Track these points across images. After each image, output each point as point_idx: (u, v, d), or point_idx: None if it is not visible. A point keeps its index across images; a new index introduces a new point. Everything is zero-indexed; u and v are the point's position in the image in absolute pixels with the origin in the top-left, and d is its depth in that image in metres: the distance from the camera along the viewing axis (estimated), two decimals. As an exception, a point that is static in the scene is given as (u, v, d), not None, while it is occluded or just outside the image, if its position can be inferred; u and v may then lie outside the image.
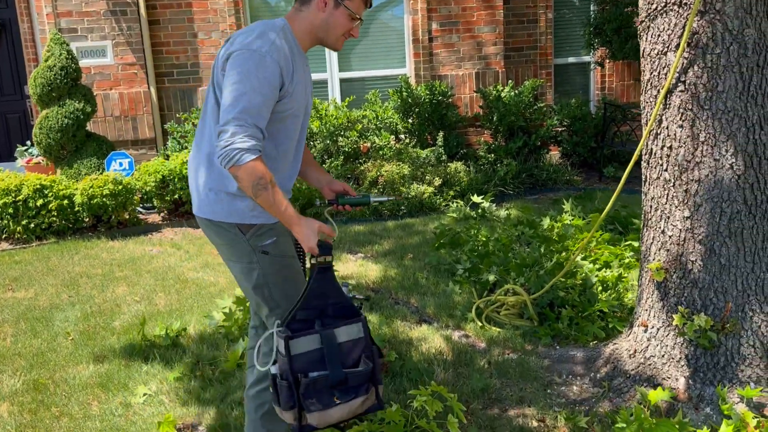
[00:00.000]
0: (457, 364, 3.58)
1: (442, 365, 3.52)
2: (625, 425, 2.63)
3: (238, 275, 2.37)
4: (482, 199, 6.58)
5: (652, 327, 3.10)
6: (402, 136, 8.22)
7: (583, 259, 4.36)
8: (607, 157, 8.68)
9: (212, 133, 2.23)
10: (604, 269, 4.19)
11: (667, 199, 3.00)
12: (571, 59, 9.77)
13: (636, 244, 4.17)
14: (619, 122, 8.57)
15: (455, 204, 6.80)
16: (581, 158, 8.76)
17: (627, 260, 4.14)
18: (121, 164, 7.29)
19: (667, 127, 2.96)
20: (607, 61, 9.08)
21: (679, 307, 2.92)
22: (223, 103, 2.10)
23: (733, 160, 2.82)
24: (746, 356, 2.89)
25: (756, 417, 2.72)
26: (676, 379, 2.95)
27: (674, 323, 2.90)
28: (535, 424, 2.97)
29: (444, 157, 7.70)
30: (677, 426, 2.61)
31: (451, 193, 7.17)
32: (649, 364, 3.07)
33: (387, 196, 2.71)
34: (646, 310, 3.14)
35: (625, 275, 4.32)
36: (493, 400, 3.22)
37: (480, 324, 3.99)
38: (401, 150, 7.57)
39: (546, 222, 5.29)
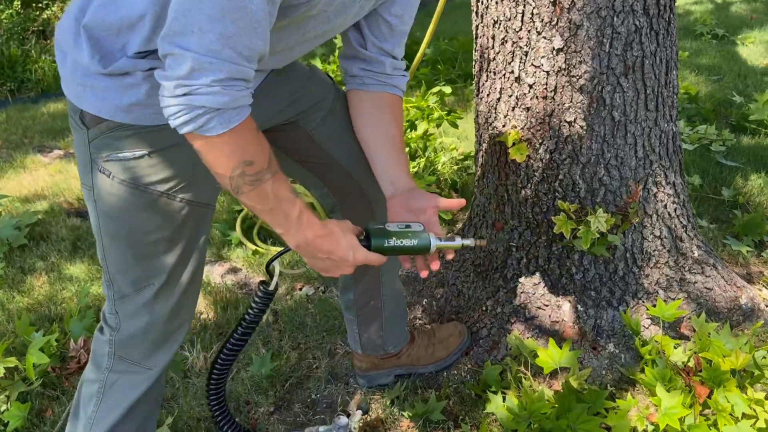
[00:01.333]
0: (226, 328, 2.23)
1: (204, 336, 2.15)
2: (514, 425, 1.56)
3: None
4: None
5: (513, 230, 1.98)
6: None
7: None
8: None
9: None
10: (408, 130, 2.97)
11: (522, 21, 1.74)
12: None
13: (447, 89, 2.99)
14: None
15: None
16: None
17: (435, 115, 2.93)
18: None
19: None
20: None
21: (560, 202, 1.79)
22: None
23: (631, -62, 1.60)
24: (652, 253, 1.92)
25: (676, 344, 1.81)
26: (558, 306, 1.92)
27: (556, 229, 1.78)
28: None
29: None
30: (589, 405, 1.59)
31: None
32: (514, 287, 2.00)
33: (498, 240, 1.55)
34: (499, 207, 2.00)
35: (432, 131, 3.17)
36: (293, 387, 1.97)
37: (253, 246, 2.62)
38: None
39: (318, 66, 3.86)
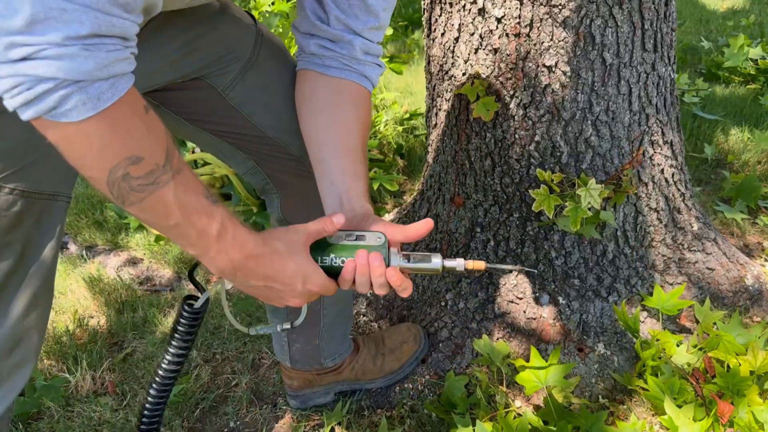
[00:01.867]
0: (121, 337, 1.78)
1: (93, 349, 1.70)
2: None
3: None
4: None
5: (477, 206, 1.58)
6: None
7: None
8: None
9: None
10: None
11: (487, -69, 1.32)
12: None
13: (387, 31, 2.54)
14: None
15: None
16: None
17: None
18: None
19: None
20: None
21: (539, 171, 1.40)
22: None
23: None
24: (647, 230, 1.56)
25: (679, 341, 1.47)
26: (534, 299, 1.55)
27: (535, 207, 1.39)
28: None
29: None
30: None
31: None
32: (479, 277, 1.61)
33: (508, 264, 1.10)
34: (459, 177, 1.60)
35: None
36: (205, 414, 1.55)
37: (155, 231, 2.15)
38: None
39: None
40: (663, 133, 1.52)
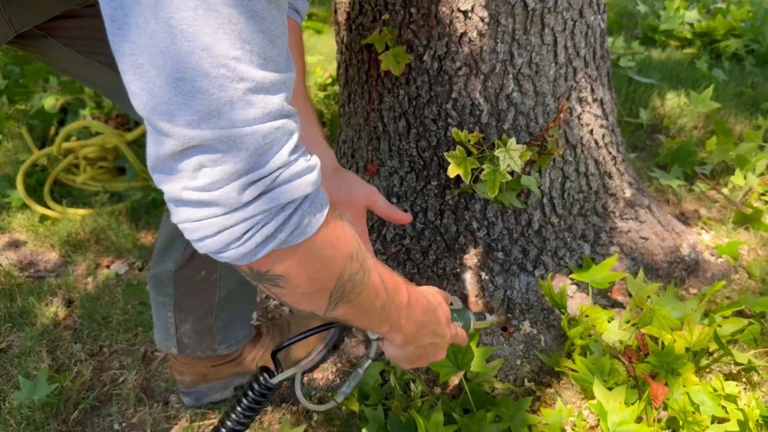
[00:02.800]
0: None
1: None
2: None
3: None
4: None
5: (392, 174, 1.41)
6: None
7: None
8: None
9: None
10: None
11: None
12: None
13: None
14: None
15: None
16: None
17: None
18: None
19: None
20: None
21: (455, 130, 1.24)
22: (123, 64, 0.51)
23: None
24: (576, 197, 1.43)
25: (610, 317, 1.35)
26: (455, 275, 1.40)
27: (450, 171, 1.23)
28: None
29: None
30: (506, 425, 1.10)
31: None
32: (396, 252, 1.45)
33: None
34: (372, 142, 1.42)
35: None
36: (86, 415, 1.35)
37: (42, 209, 1.91)
38: None
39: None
40: (592, 90, 1.38)
